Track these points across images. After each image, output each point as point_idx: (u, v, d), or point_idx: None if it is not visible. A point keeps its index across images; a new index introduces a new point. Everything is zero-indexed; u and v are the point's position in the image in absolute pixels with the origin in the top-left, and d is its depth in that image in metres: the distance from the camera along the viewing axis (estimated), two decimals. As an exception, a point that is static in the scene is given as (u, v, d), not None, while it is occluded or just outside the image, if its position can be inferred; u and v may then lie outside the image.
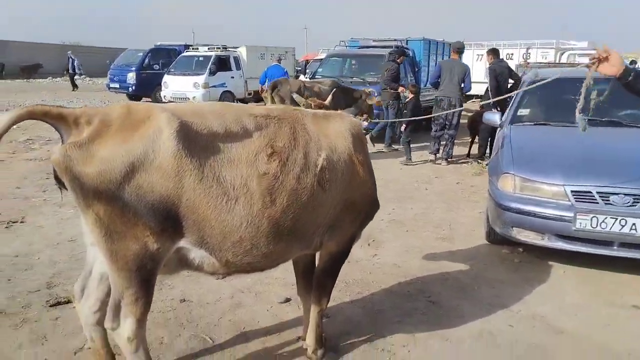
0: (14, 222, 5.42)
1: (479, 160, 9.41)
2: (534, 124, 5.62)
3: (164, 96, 18.35)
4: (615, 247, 4.22)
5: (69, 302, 3.71)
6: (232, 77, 18.82)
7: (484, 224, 5.37)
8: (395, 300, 3.96)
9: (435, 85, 9.76)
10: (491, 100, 8.06)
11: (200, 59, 18.52)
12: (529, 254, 4.91)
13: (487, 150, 9.56)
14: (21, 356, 3.07)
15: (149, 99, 19.95)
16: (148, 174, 2.18)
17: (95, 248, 2.51)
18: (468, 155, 10.12)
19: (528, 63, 11.42)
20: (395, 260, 4.73)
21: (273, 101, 9.04)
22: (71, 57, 25.22)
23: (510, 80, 9.74)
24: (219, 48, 19.08)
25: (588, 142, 4.68)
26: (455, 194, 7.35)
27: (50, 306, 3.65)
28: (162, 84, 18.20)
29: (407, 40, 13.38)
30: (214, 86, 17.87)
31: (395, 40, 13.06)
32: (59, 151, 2.13)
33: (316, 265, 3.10)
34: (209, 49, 19.01)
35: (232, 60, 18.94)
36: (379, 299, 3.97)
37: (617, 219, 4.07)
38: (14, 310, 3.57)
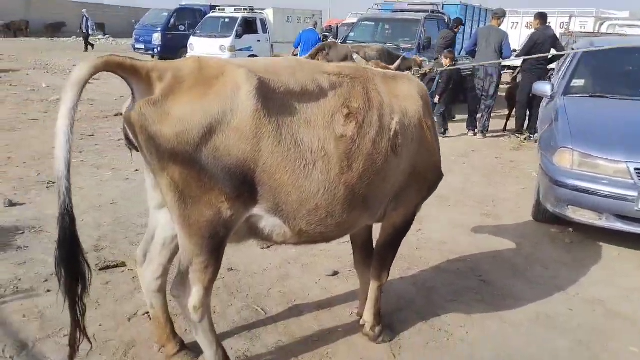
0: (53, 183, 5.38)
1: (517, 135, 9.11)
2: (590, 96, 5.33)
3: (190, 58, 18.05)
4: (679, 231, 4.03)
5: (117, 266, 3.70)
6: (259, 41, 18.47)
7: (532, 201, 5.19)
8: (445, 277, 3.85)
9: (472, 53, 9.36)
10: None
11: (227, 20, 18.14)
12: (580, 234, 4.73)
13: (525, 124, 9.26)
14: (75, 320, 3.05)
15: (174, 61, 19.74)
16: (225, 135, 2.06)
17: (160, 212, 2.45)
18: (504, 129, 9.80)
19: (571, 32, 10.84)
20: (441, 237, 4.61)
21: None
22: (85, 16, 24.23)
23: (553, 51, 9.26)
24: (246, 9, 18.67)
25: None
26: (495, 169, 7.14)
27: (100, 269, 3.62)
28: (187, 45, 17.94)
29: (443, 5, 12.88)
30: (240, 49, 17.55)
31: (432, 4, 12.58)
32: (133, 109, 2.01)
33: (376, 237, 2.99)
34: (235, 10, 18.61)
35: (258, 23, 18.56)
36: (429, 275, 3.87)
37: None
38: (64, 273, 3.56)
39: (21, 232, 4.16)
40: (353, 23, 14.36)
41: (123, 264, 3.72)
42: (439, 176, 2.88)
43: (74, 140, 1.87)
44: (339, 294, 3.55)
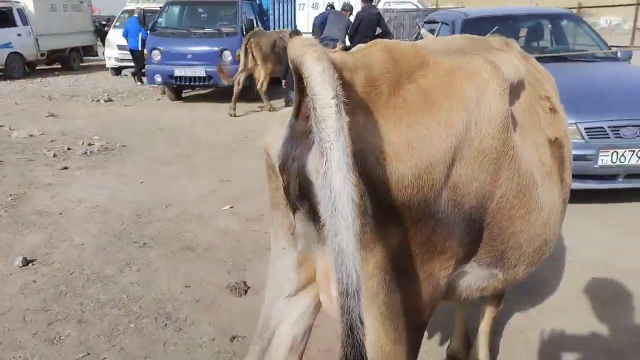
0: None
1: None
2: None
3: None
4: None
5: None
6: (19, 35, 15.09)
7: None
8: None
9: (321, 26, 9.71)
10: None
11: (-32, 13, 14.27)
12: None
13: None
14: None
15: None
16: (466, 164, 1.25)
17: (293, 301, 1.45)
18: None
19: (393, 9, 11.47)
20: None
21: (248, 56, 8.93)
22: None
23: (378, 29, 9.67)
24: (-6, -2, 14.92)
25: (572, 78, 4.66)
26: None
27: None
28: None
29: (252, -13, 12.14)
30: (-4, 47, 14.04)
31: (242, -16, 11.66)
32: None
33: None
34: (-21, 0, 14.71)
35: (15, 13, 15.07)
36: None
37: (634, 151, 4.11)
38: None
39: None
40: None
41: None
42: None
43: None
44: None
